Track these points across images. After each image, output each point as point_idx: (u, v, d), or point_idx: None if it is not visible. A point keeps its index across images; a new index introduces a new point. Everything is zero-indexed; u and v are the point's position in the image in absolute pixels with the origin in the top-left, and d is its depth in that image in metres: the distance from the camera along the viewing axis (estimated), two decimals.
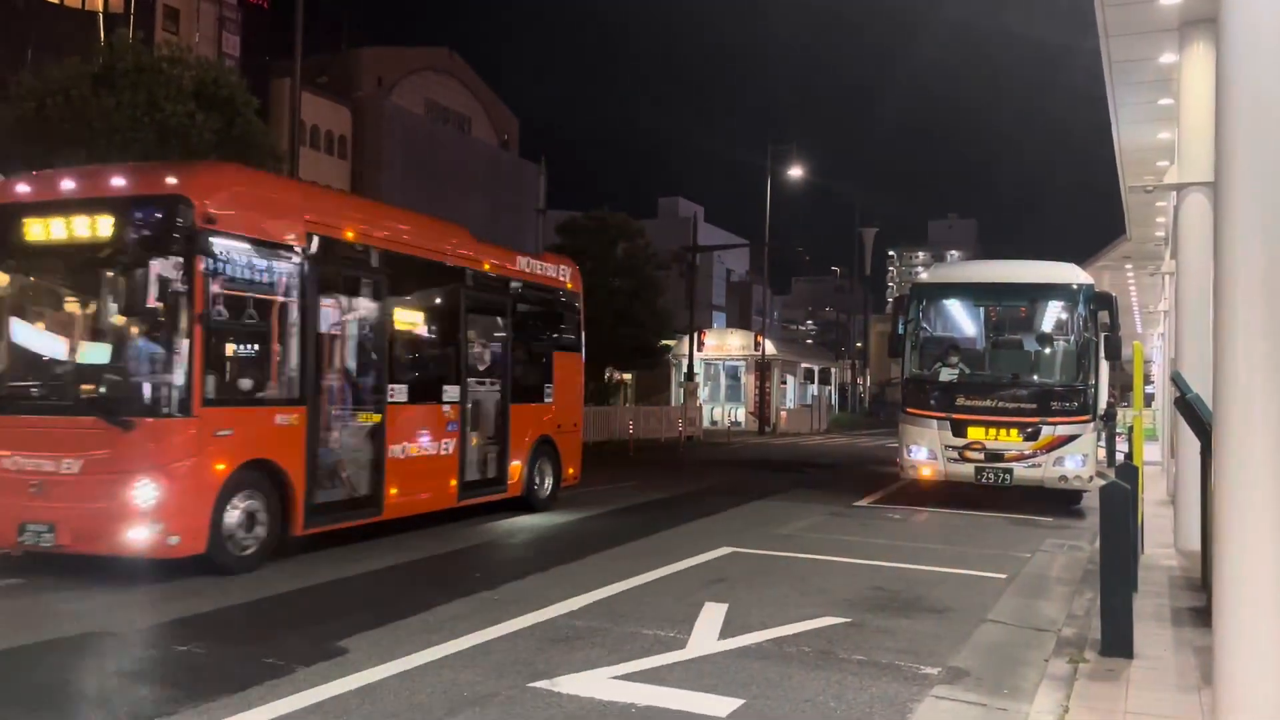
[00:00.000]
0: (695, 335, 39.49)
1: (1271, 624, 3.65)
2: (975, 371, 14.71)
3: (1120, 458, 17.22)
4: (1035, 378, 14.41)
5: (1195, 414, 7.14)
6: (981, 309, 15.88)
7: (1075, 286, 14.22)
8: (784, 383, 43.16)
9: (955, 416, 13.83)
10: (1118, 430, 25.18)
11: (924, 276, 16.38)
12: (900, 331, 14.77)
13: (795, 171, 44.26)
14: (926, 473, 14.13)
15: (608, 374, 41.90)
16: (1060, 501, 14.14)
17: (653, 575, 8.49)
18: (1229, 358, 3.79)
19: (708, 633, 6.50)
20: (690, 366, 38.73)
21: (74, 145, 16.68)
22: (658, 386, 43.77)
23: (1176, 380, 8.19)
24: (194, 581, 7.76)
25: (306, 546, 9.06)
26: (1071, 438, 13.44)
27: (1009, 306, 15.73)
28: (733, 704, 5.07)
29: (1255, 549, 3.74)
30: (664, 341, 41.12)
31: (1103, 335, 13.74)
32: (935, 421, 14.00)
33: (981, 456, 13.64)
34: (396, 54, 58.26)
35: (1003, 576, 8.98)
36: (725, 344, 43.02)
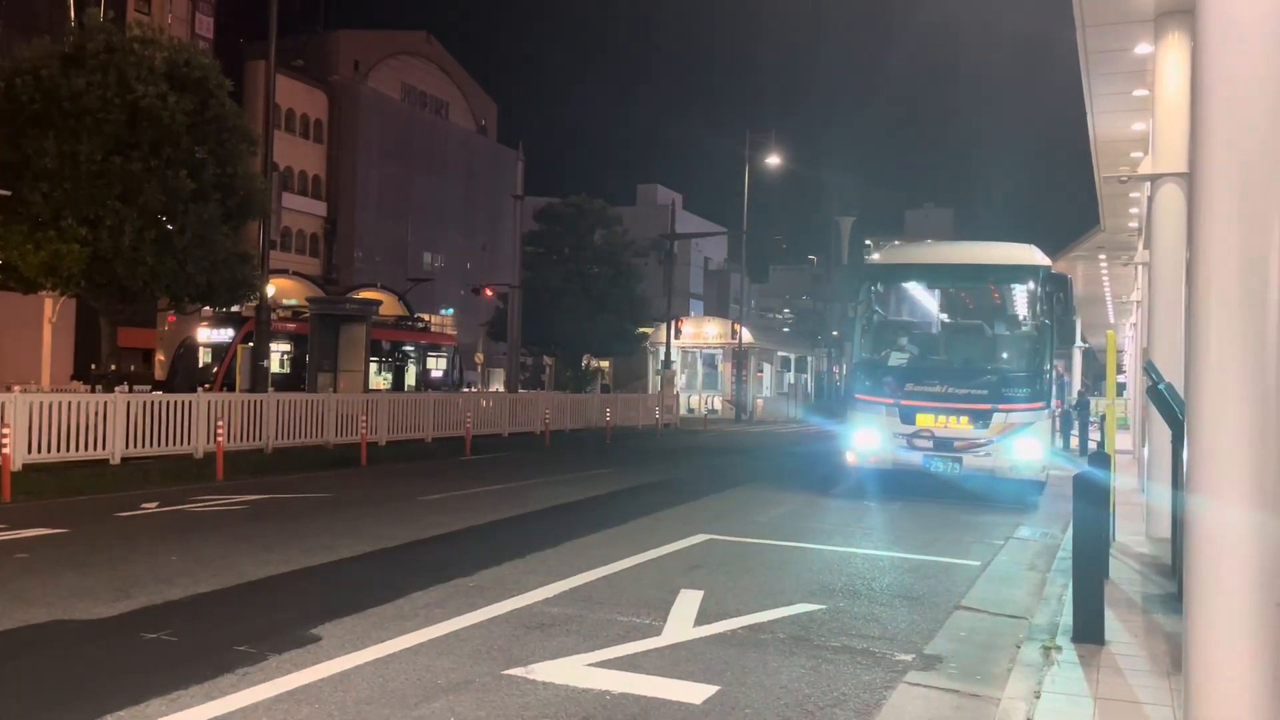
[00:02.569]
0: (673, 323, 39.53)
1: (1242, 611, 3.68)
2: (926, 356, 14.25)
3: (1092, 446, 17.39)
4: (987, 363, 13.94)
5: (1167, 403, 7.21)
6: (934, 291, 15.37)
7: (1029, 267, 13.62)
8: (761, 371, 43.29)
9: (904, 403, 13.36)
10: (1090, 419, 25.56)
11: (875, 257, 15.91)
12: (850, 314, 14.39)
13: (773, 160, 44.34)
14: (873, 461, 13.65)
15: (585, 361, 41.89)
16: (1031, 490, 14.15)
17: (629, 562, 8.49)
18: (1202, 347, 3.80)
19: (683, 619, 6.50)
20: (667, 354, 38.76)
21: (43, 126, 16.45)
22: (635, 374, 43.82)
23: (1149, 369, 8.27)
24: (164, 568, 7.69)
25: (280, 535, 8.97)
26: (1024, 425, 12.91)
27: (962, 288, 15.20)
28: (708, 690, 5.07)
29: (1225, 537, 3.76)
30: (641, 329, 41.16)
31: (1055, 318, 13.31)
32: (884, 408, 13.51)
33: (930, 445, 13.16)
34: (373, 38, 57.83)
35: (976, 564, 9.04)
36: (703, 332, 43.10)
